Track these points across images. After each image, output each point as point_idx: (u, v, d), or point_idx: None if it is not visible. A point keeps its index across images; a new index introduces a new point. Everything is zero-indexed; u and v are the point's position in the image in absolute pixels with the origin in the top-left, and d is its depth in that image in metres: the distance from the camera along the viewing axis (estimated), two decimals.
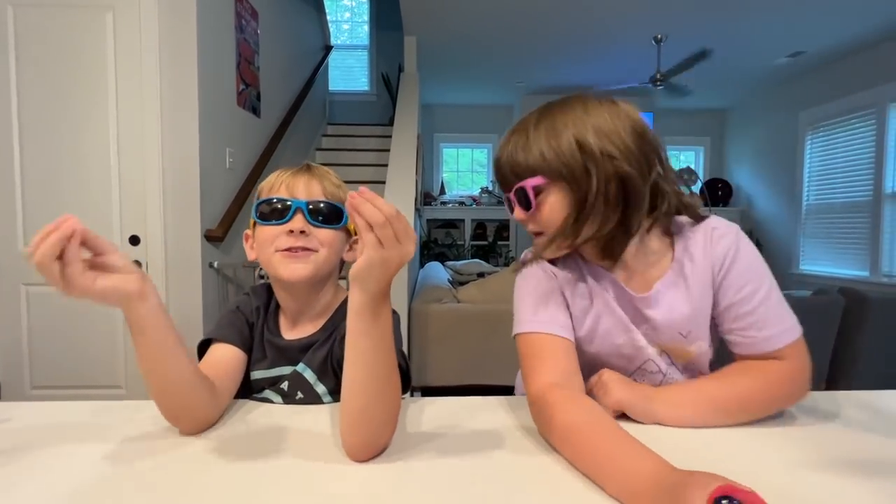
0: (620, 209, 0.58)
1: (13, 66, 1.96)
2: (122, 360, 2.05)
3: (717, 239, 0.62)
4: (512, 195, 0.62)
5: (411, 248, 0.43)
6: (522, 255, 0.68)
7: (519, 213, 0.62)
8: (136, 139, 2.00)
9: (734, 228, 0.63)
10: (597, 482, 0.44)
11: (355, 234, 0.70)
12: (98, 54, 1.97)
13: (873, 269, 3.64)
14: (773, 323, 0.59)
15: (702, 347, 0.65)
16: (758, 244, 5.00)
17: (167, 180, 2.04)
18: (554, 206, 0.59)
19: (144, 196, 2.01)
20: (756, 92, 4.86)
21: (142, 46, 1.98)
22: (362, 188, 0.42)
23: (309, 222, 0.64)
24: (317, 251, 0.65)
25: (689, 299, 0.63)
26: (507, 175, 0.62)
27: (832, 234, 4.06)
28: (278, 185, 0.67)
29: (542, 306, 0.65)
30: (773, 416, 0.60)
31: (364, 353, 0.47)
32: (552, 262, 0.67)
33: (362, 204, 0.41)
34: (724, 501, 0.33)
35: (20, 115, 1.97)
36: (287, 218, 0.64)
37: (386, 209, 0.41)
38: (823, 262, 4.16)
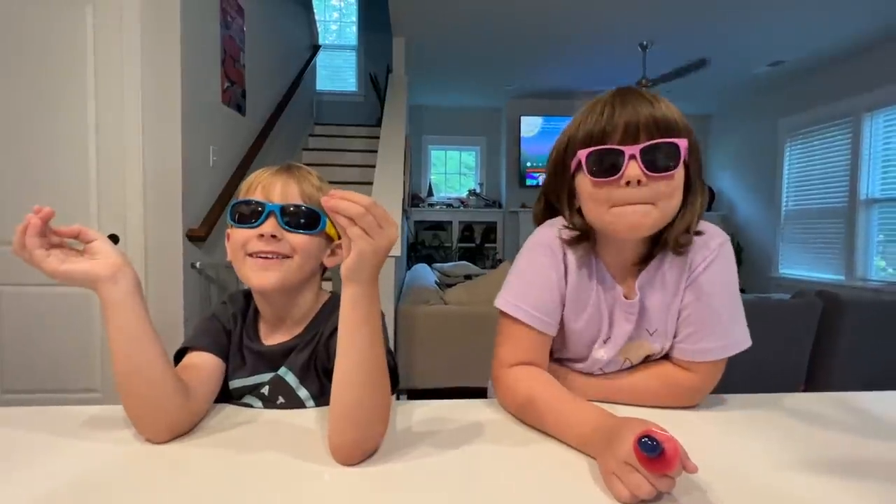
0: (703, 196, 0.61)
1: None
2: (97, 363, 1.99)
3: (701, 243, 0.63)
4: (638, 151, 0.55)
5: (394, 231, 0.45)
6: (552, 226, 0.66)
7: (641, 172, 0.55)
8: (115, 135, 1.95)
9: (722, 237, 0.64)
10: (558, 438, 0.54)
11: (337, 238, 0.68)
12: (76, 48, 1.91)
13: (848, 273, 3.75)
14: (711, 336, 0.62)
15: (663, 346, 0.66)
16: (739, 248, 5.10)
17: (148, 178, 1.99)
18: (680, 177, 0.58)
19: (124, 194, 1.96)
20: (737, 99, 4.98)
21: (122, 41, 1.93)
22: (332, 190, 0.44)
23: (281, 227, 0.62)
24: (290, 257, 0.63)
25: (662, 297, 0.64)
26: (646, 125, 0.56)
27: (809, 239, 4.18)
28: (256, 185, 0.65)
29: (532, 292, 0.65)
30: (755, 414, 0.62)
31: (360, 346, 0.48)
32: (570, 245, 0.65)
33: (338, 202, 0.42)
34: (644, 440, 0.39)
35: None
36: (259, 221, 0.61)
37: (362, 200, 0.43)
38: (801, 266, 4.27)
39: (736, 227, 5.09)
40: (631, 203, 0.57)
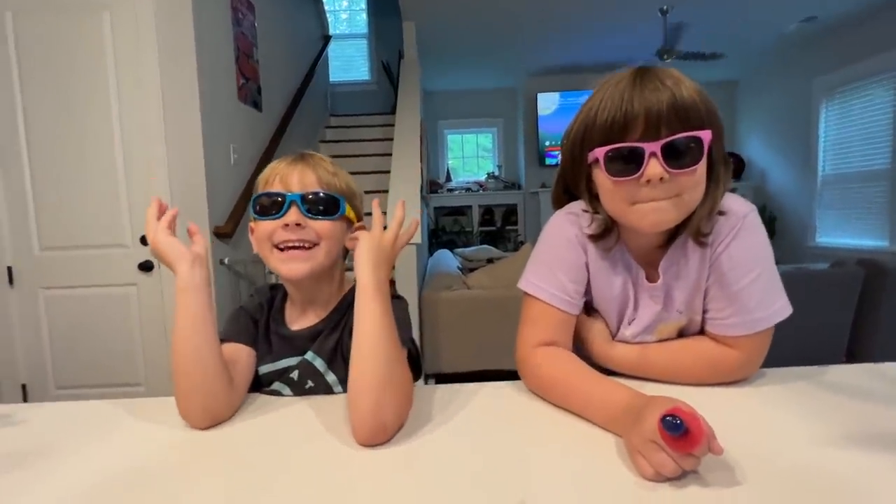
0: (725, 181, 0.59)
1: (16, 72, 1.96)
2: (140, 358, 2.09)
3: (722, 220, 0.60)
4: (659, 148, 0.53)
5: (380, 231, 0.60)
6: (572, 210, 0.65)
7: (662, 169, 0.53)
8: (140, 140, 2.01)
9: (745, 210, 0.61)
10: (585, 417, 0.53)
11: (357, 220, 0.70)
12: (97, 55, 1.96)
13: (893, 239, 3.55)
14: (740, 311, 0.60)
15: (694, 321, 0.65)
16: (772, 218, 4.87)
17: (173, 179, 2.04)
18: (703, 167, 0.55)
19: (151, 196, 2.02)
20: (767, 61, 4.71)
21: (139, 45, 1.97)
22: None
23: (304, 215, 0.63)
24: (316, 244, 0.65)
25: (687, 278, 0.63)
26: (668, 117, 0.53)
27: (849, 205, 3.96)
28: (273, 177, 0.66)
29: (553, 273, 0.64)
30: (793, 388, 0.60)
31: (369, 318, 0.54)
32: (594, 240, 0.64)
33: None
34: (668, 418, 0.39)
35: (26, 122, 1.98)
36: (282, 212, 0.63)
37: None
38: (841, 234, 4.06)
39: (768, 195, 4.87)
40: (653, 200, 0.55)
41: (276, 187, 0.65)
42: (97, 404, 0.65)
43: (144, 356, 2.09)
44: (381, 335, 0.53)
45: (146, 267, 2.03)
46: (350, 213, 0.68)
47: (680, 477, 0.40)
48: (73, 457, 0.51)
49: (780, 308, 0.60)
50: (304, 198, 0.64)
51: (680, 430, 0.38)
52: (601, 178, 0.58)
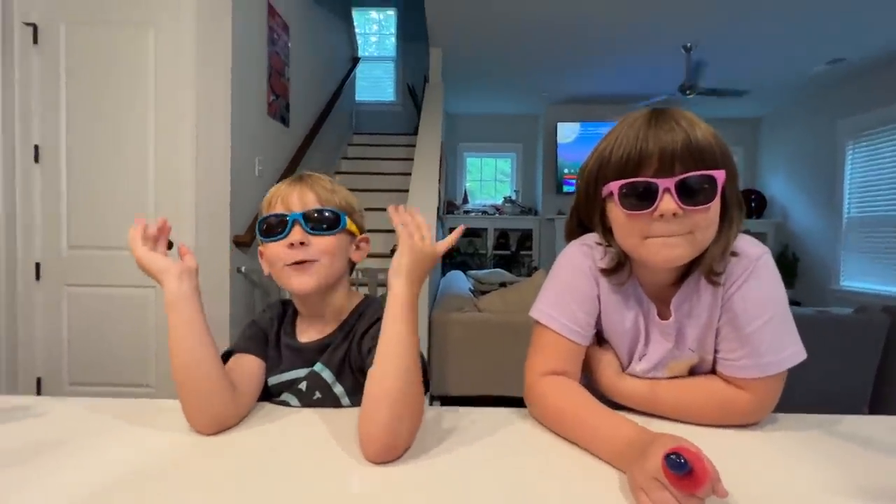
0: (738, 223, 0.59)
1: (63, 78, 2.08)
2: (152, 360, 2.12)
3: (734, 261, 0.60)
4: (673, 185, 0.53)
5: (429, 244, 0.58)
6: (583, 243, 0.67)
7: (676, 206, 0.53)
8: (171, 149, 2.09)
9: (758, 252, 0.60)
10: (590, 451, 0.53)
11: (359, 233, 0.72)
12: (139, 67, 2.07)
13: None
14: (751, 354, 0.59)
15: (705, 360, 0.64)
16: (794, 258, 4.75)
17: (200, 188, 2.11)
18: (717, 207, 0.56)
19: (177, 203, 2.10)
20: (792, 100, 4.70)
21: (179, 60, 2.08)
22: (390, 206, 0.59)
23: (308, 232, 0.66)
24: (318, 260, 0.66)
25: (699, 317, 0.62)
26: (682, 156, 0.54)
27: (876, 249, 3.85)
28: (275, 200, 0.69)
29: (565, 303, 0.64)
30: (808, 435, 0.58)
31: (397, 338, 0.53)
32: (607, 275, 0.64)
33: (391, 213, 0.59)
34: (672, 456, 0.38)
35: (68, 125, 2.09)
36: (286, 232, 0.65)
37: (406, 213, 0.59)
38: (866, 278, 3.94)
39: (790, 234, 4.77)
40: (666, 235, 0.55)
41: (279, 209, 0.68)
42: (113, 402, 0.67)
43: (156, 359, 2.12)
44: (406, 354, 0.53)
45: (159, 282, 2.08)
46: (352, 226, 0.70)
47: None
48: (84, 454, 0.52)
49: (792, 353, 0.58)
50: (305, 216, 0.66)
51: (684, 469, 0.37)
52: (615, 211, 0.59)
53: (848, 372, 1.70)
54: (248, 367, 0.68)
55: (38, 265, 2.11)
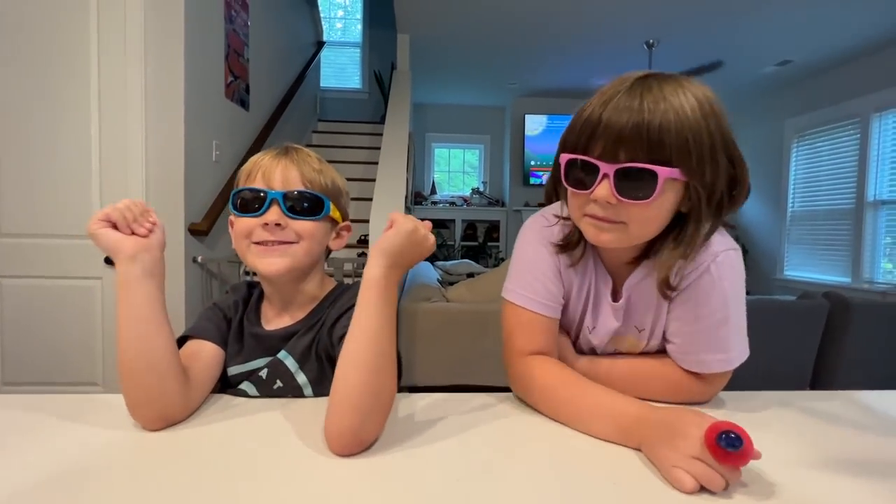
0: (705, 228, 0.55)
1: None
2: (99, 356, 1.98)
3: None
4: (612, 172, 0.50)
5: (423, 234, 0.53)
6: (543, 217, 0.66)
7: (610, 193, 0.51)
8: (118, 130, 1.94)
9: (719, 249, 0.58)
10: (580, 428, 0.53)
11: (342, 220, 0.68)
12: (80, 41, 1.90)
13: (855, 276, 3.72)
14: (707, 349, 0.60)
15: (651, 346, 0.65)
16: (743, 250, 5.05)
17: (150, 172, 1.98)
18: (665, 204, 0.52)
19: (126, 188, 1.96)
20: (744, 99, 4.94)
21: (126, 31, 1.92)
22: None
23: (286, 214, 0.61)
24: (295, 243, 0.62)
25: (650, 302, 0.63)
26: (630, 138, 0.49)
27: (816, 241, 4.14)
28: (255, 171, 0.64)
29: (534, 279, 0.64)
30: (766, 413, 0.60)
31: (373, 326, 0.49)
32: (561, 251, 0.64)
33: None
34: (730, 435, 0.39)
35: None
36: (262, 210, 0.60)
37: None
38: (807, 269, 4.23)
39: (740, 228, 5.05)
40: (599, 218, 0.54)
41: (258, 182, 0.63)
42: (43, 398, 0.61)
43: (104, 355, 1.98)
44: (380, 345, 0.49)
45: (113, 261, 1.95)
46: (335, 212, 0.66)
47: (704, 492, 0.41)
48: (10, 453, 0.47)
49: (738, 353, 0.60)
50: (286, 196, 0.61)
51: (739, 446, 0.39)
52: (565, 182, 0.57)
53: (791, 354, 1.82)
54: (205, 355, 0.63)
55: None
